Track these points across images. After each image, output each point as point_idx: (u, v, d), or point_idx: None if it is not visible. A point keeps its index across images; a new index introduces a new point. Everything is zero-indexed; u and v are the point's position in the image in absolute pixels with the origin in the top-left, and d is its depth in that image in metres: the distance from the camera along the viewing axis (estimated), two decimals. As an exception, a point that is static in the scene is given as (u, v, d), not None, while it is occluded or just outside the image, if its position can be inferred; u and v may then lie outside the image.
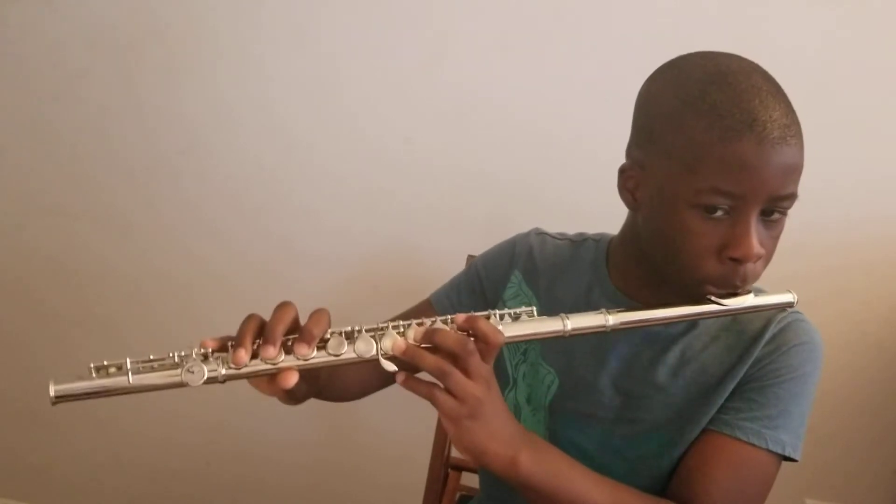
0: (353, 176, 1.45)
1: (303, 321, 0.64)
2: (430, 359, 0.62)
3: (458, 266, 1.04)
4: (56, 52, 1.48)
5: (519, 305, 0.69)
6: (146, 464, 1.70)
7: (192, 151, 1.49)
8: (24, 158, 1.54)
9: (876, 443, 1.43)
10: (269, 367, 0.60)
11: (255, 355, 0.60)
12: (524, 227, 0.95)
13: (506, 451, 0.64)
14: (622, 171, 0.76)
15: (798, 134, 0.66)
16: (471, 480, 1.34)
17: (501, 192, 1.41)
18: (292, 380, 0.60)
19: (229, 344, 0.61)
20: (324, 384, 0.75)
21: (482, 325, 0.64)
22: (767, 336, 0.75)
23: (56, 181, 1.54)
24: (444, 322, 0.65)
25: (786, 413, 0.73)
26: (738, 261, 0.66)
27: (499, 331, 0.64)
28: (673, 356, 0.78)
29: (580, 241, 0.89)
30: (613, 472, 0.71)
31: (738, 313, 0.73)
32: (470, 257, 1.21)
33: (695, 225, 0.67)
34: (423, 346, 0.63)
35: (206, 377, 0.59)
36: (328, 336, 0.63)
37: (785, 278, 0.76)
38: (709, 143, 0.64)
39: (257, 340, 0.61)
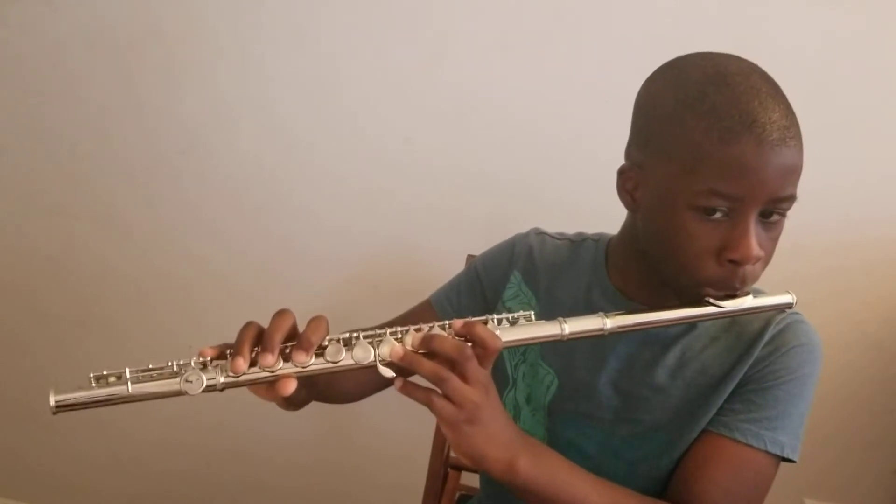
0: (353, 176, 1.45)
1: (301, 326, 0.64)
2: (428, 365, 0.62)
3: (458, 266, 1.04)
4: (56, 52, 1.48)
5: (518, 305, 0.69)
6: (146, 464, 1.70)
7: (192, 151, 1.49)
8: (24, 158, 1.54)
9: (876, 443, 1.43)
10: (267, 374, 0.61)
11: (253, 363, 0.60)
12: (524, 227, 0.95)
13: (504, 455, 0.64)
14: (621, 173, 0.75)
15: (797, 135, 0.66)
16: (470, 480, 1.34)
17: (501, 192, 1.41)
18: (291, 387, 0.61)
19: (228, 352, 0.61)
20: (322, 389, 0.75)
21: (480, 330, 0.64)
22: (767, 337, 0.75)
23: (56, 181, 1.54)
24: (442, 328, 0.65)
25: (785, 414, 0.73)
26: (736, 262, 0.66)
27: (496, 336, 0.64)
28: (672, 357, 0.78)
29: (580, 242, 0.89)
30: (612, 473, 0.72)
31: (737, 315, 0.72)
32: (470, 257, 1.21)
33: (693, 226, 0.66)
34: (420, 352, 0.63)
35: (204, 386, 0.60)
36: (326, 343, 0.63)
37: (785, 279, 0.76)
38: (707, 145, 0.64)
39: (256, 348, 0.61)
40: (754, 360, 0.75)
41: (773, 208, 0.67)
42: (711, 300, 0.69)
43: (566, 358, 0.83)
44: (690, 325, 0.78)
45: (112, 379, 0.61)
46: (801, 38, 1.27)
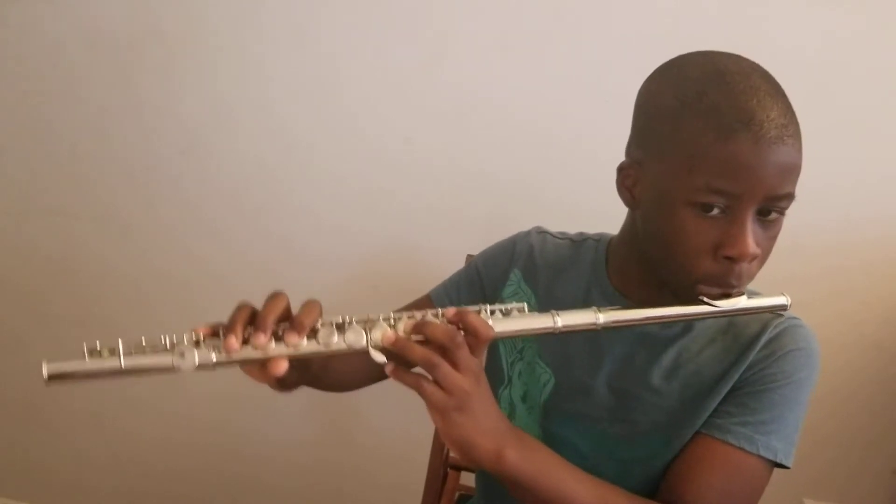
0: (353, 176, 1.45)
1: (295, 312, 0.64)
2: (419, 350, 0.61)
3: (457, 266, 1.04)
4: (56, 52, 1.48)
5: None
6: (146, 463, 1.70)
7: (192, 151, 1.49)
8: (24, 158, 1.54)
9: (875, 443, 1.43)
10: (259, 354, 0.61)
11: (246, 342, 0.60)
12: (524, 227, 0.95)
13: (492, 445, 0.64)
14: (621, 169, 0.76)
15: (796, 134, 0.66)
16: (470, 480, 1.34)
17: (501, 192, 1.41)
18: (282, 367, 0.61)
19: (221, 331, 0.61)
20: (316, 373, 0.74)
21: (472, 318, 0.63)
22: (763, 341, 0.75)
23: (56, 181, 1.54)
24: (435, 316, 0.65)
25: (779, 419, 0.73)
26: (732, 260, 0.66)
27: (488, 325, 0.64)
28: (668, 358, 0.78)
29: (581, 241, 0.89)
30: (606, 473, 0.71)
31: (731, 315, 0.72)
32: (469, 257, 1.21)
33: (690, 223, 0.66)
34: (413, 338, 0.63)
35: (197, 363, 0.60)
36: (319, 326, 0.63)
37: (784, 279, 0.76)
38: (705, 142, 0.64)
39: (249, 328, 0.61)
40: (750, 364, 0.74)
41: (771, 206, 0.67)
42: (706, 299, 0.69)
43: (563, 357, 0.83)
44: (687, 326, 0.78)
45: (105, 352, 0.61)
46: (801, 38, 1.27)
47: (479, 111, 1.38)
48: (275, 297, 0.63)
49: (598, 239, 0.88)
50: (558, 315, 0.67)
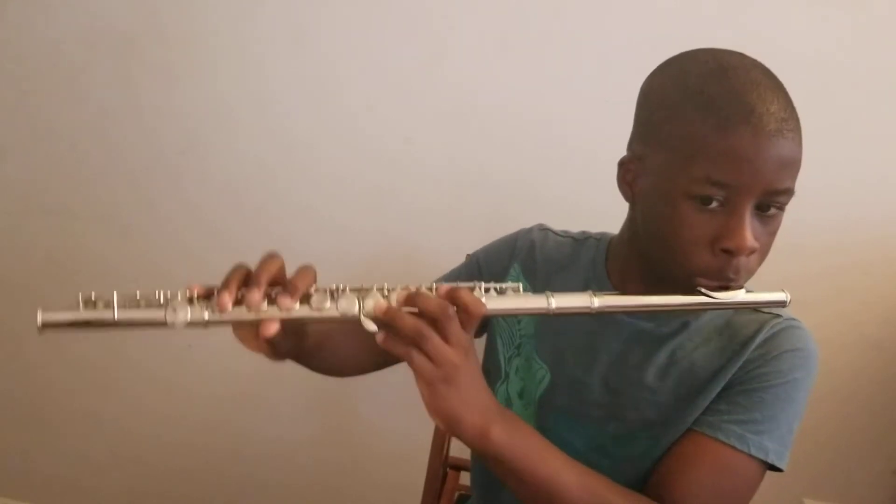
0: (353, 176, 1.45)
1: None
2: (410, 320, 0.61)
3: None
4: (55, 52, 1.48)
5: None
6: (146, 463, 1.70)
7: (192, 151, 1.49)
8: (24, 158, 1.54)
9: (875, 443, 1.43)
10: (251, 316, 0.61)
11: (239, 303, 0.60)
12: (524, 227, 0.95)
13: (478, 420, 0.63)
14: (621, 164, 0.76)
15: (796, 129, 0.66)
16: (470, 480, 1.34)
17: (501, 192, 1.41)
18: (273, 328, 0.61)
19: (215, 291, 0.61)
20: (311, 349, 0.74)
21: (464, 294, 0.63)
22: (759, 340, 0.74)
23: (56, 181, 1.54)
24: (429, 290, 0.65)
25: (772, 419, 0.72)
26: (730, 252, 0.66)
27: (481, 301, 0.64)
28: (663, 356, 0.78)
29: (582, 240, 0.89)
30: (599, 469, 0.70)
31: (728, 307, 0.71)
32: (468, 257, 1.21)
33: (689, 216, 0.67)
34: (406, 310, 0.63)
35: (189, 319, 0.60)
36: (312, 292, 0.63)
37: (783, 278, 0.75)
38: (705, 134, 0.65)
39: (243, 289, 0.61)
40: (744, 362, 0.74)
41: (770, 201, 0.67)
42: (703, 290, 0.69)
43: (559, 354, 0.83)
44: (683, 324, 0.78)
45: (101, 304, 0.61)
46: (801, 38, 1.27)
47: (479, 111, 1.39)
48: (270, 257, 0.64)
49: (600, 238, 0.88)
50: (553, 296, 0.66)
